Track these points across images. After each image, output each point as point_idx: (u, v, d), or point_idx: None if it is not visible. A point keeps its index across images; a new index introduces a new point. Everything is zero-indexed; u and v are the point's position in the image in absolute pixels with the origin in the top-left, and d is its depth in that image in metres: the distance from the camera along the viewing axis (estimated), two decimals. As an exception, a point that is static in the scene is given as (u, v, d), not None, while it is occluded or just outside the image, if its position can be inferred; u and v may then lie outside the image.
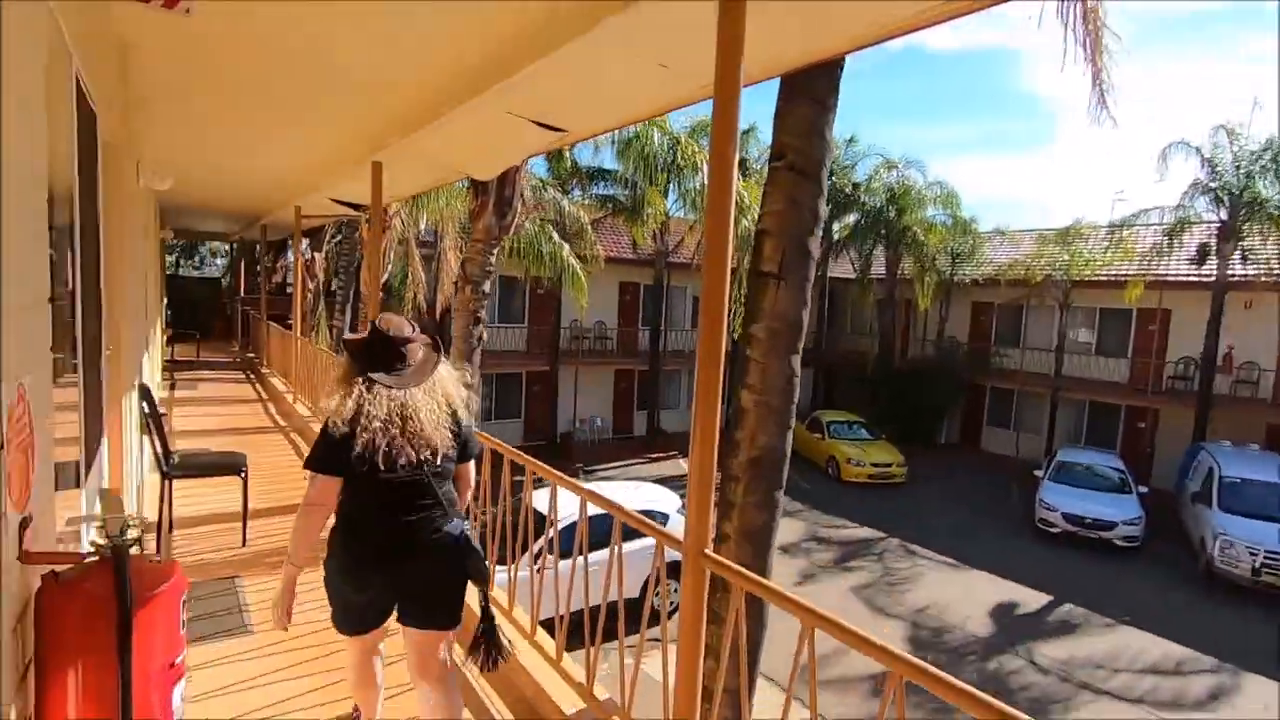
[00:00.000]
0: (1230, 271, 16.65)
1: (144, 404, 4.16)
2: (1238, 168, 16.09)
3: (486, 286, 6.04)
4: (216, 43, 3.22)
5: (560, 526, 3.06)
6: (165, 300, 17.58)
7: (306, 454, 2.23)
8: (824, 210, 4.67)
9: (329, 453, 2.16)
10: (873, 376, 23.44)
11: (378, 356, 2.31)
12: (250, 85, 3.97)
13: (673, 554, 2.44)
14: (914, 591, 12.15)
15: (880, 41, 2.18)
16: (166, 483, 4.30)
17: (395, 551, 2.22)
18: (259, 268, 19.53)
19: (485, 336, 6.06)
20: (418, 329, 2.47)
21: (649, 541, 2.59)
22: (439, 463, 2.27)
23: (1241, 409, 17.17)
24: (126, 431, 3.46)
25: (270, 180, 7.34)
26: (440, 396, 2.33)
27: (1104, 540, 14.39)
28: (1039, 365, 21.38)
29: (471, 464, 2.53)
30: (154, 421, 4.21)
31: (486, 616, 2.43)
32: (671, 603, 8.19)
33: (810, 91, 4.50)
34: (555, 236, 11.91)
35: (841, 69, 4.59)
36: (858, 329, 27.86)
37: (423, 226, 13.90)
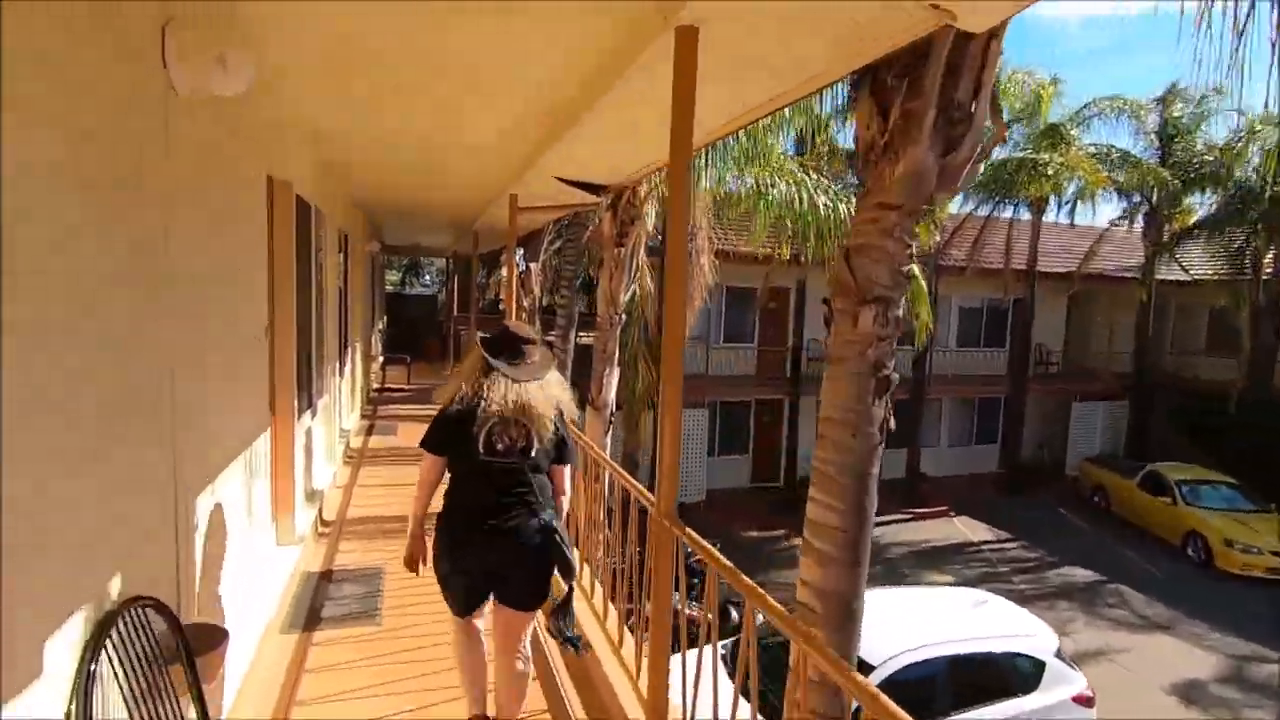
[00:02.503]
0: None
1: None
2: None
3: (899, 308, 2.73)
4: None
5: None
6: (384, 322, 16.92)
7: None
8: None
9: (438, 433, 2.48)
10: (1236, 415, 16.59)
11: (501, 350, 2.53)
12: None
13: None
14: None
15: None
16: None
17: (489, 531, 2.36)
18: (481, 280, 18.36)
19: (893, 424, 2.78)
20: (539, 335, 2.80)
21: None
22: (534, 455, 2.44)
23: None
24: None
25: (473, 148, 4.79)
26: (550, 396, 2.52)
27: None
28: None
29: (568, 469, 2.64)
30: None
31: (567, 600, 2.54)
32: None
33: None
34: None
35: None
36: (1184, 347, 20.96)
37: (650, 225, 11.18)
